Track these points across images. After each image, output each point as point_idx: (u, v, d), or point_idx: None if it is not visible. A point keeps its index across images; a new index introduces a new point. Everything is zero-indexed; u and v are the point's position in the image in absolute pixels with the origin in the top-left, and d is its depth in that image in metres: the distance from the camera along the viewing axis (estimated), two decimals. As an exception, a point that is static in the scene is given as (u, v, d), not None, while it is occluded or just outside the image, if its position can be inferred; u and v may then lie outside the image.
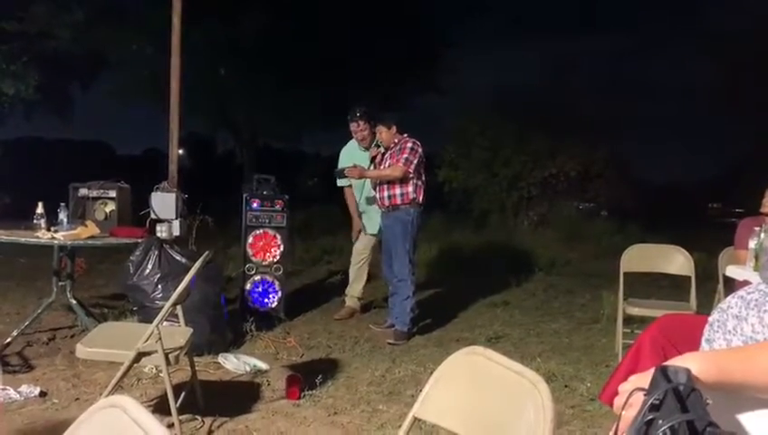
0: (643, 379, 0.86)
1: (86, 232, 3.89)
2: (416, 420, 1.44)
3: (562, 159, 11.83)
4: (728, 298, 1.27)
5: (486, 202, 12.44)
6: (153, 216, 4.35)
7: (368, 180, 5.00)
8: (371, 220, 5.19)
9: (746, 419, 0.97)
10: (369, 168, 4.85)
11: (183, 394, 2.97)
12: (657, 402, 0.77)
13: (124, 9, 12.13)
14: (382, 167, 4.77)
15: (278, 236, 5.01)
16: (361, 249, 5.31)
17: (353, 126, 5.08)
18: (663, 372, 0.82)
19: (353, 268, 5.34)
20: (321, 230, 9.67)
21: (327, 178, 6.00)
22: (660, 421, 0.73)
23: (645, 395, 0.80)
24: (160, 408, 2.96)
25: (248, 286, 4.94)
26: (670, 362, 0.89)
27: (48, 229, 3.90)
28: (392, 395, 3.39)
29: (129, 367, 2.61)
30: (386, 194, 4.67)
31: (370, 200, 5.05)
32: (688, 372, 0.84)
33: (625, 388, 0.89)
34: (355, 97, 13.85)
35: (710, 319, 1.28)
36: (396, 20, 14.77)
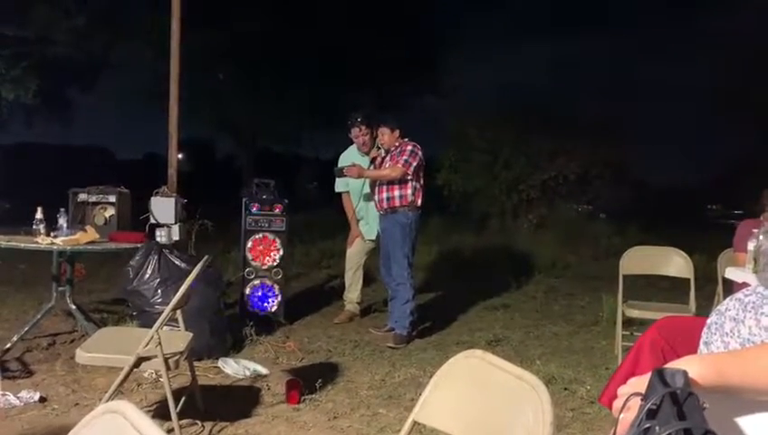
0: (642, 382, 0.86)
1: (86, 237, 3.89)
2: (415, 423, 1.44)
3: (562, 162, 11.83)
4: (726, 301, 1.28)
5: (486, 205, 12.42)
6: (153, 220, 4.36)
7: (366, 186, 5.00)
8: (369, 226, 5.19)
9: (744, 422, 0.97)
10: (368, 168, 4.86)
11: (183, 399, 2.98)
12: (655, 407, 0.77)
13: (124, 14, 12.14)
14: (381, 168, 4.78)
15: (277, 241, 5.01)
16: (355, 254, 5.31)
17: (354, 131, 5.07)
18: (660, 376, 0.82)
19: (348, 274, 5.34)
20: (321, 234, 9.65)
21: (326, 182, 6.00)
22: (657, 428, 0.73)
23: (642, 400, 0.80)
24: (160, 413, 2.96)
25: (248, 291, 4.94)
26: (668, 366, 0.89)
27: (48, 235, 3.90)
28: (392, 399, 3.39)
29: (129, 372, 2.61)
30: (384, 196, 4.68)
31: (369, 199, 5.04)
32: (685, 374, 0.83)
33: (623, 391, 0.89)
34: (354, 100, 13.89)
35: (708, 321, 1.29)
36: (395, 21, 14.77)
